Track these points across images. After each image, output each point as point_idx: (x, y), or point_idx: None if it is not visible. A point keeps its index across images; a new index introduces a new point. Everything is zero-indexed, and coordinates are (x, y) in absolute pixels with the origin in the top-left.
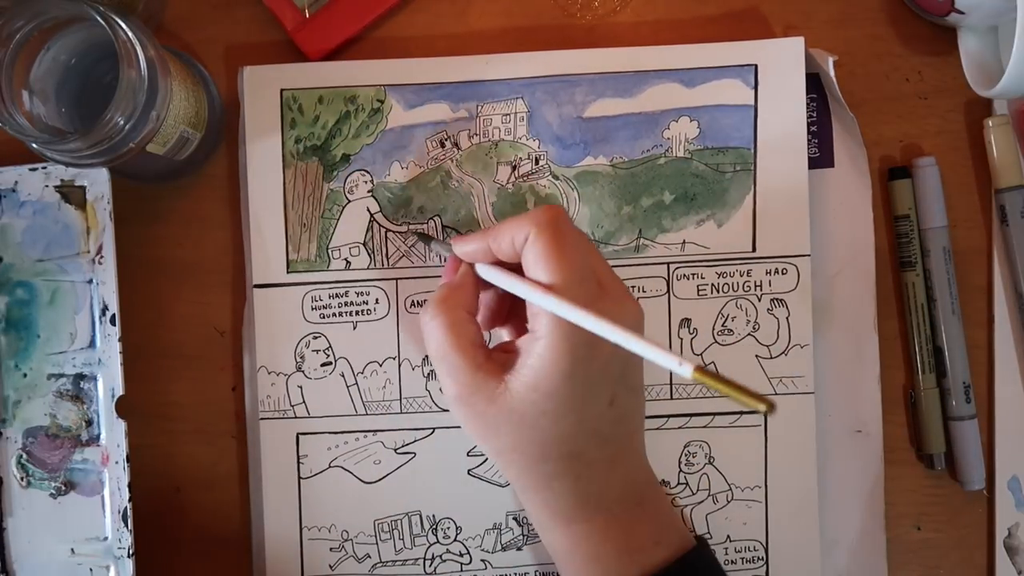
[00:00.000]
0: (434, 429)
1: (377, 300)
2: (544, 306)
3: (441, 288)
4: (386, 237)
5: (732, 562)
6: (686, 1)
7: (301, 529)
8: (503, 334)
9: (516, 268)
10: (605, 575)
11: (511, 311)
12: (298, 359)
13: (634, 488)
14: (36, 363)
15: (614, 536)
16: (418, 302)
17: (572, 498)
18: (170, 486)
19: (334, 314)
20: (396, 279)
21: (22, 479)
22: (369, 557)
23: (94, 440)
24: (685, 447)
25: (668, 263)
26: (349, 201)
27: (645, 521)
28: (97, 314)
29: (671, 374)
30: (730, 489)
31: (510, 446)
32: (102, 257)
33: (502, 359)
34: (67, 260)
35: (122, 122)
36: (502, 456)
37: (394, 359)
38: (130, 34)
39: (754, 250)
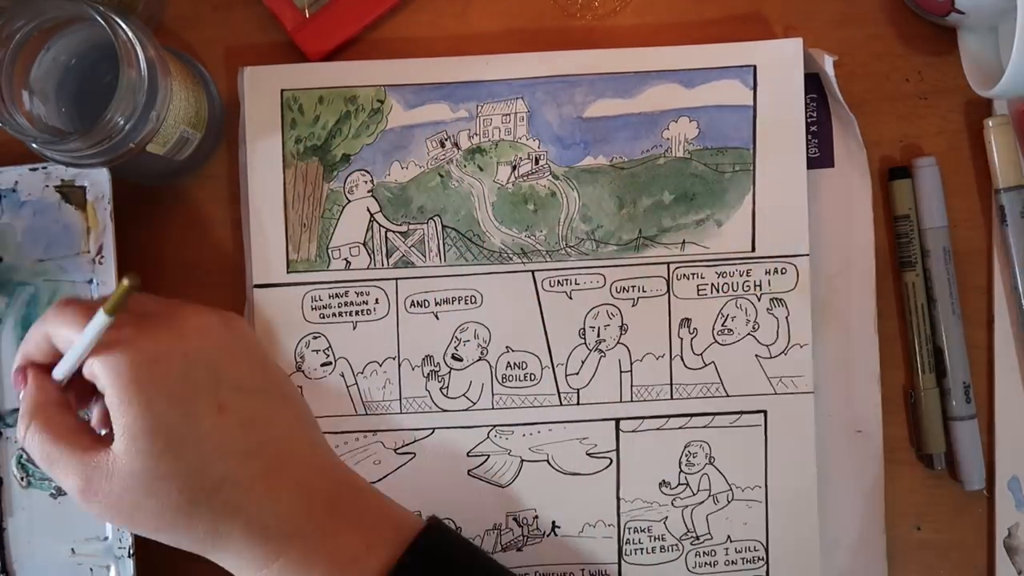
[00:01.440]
0: (434, 429)
1: (377, 300)
2: (72, 356)
3: (22, 403)
4: (386, 237)
5: (732, 562)
6: (686, 2)
7: None
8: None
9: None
10: None
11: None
12: (298, 359)
13: (317, 498)
14: None
15: (317, 560)
16: (417, 302)
17: (250, 536)
18: None
19: (334, 314)
20: (396, 279)
21: (22, 479)
22: None
23: None
24: (685, 447)
25: (668, 263)
26: (349, 201)
27: (347, 529)
28: None
29: (671, 374)
30: (730, 489)
31: (157, 510)
32: (102, 257)
33: (109, 435)
34: (67, 260)
35: (122, 122)
36: (160, 528)
37: (394, 359)
38: (130, 34)
39: (753, 250)
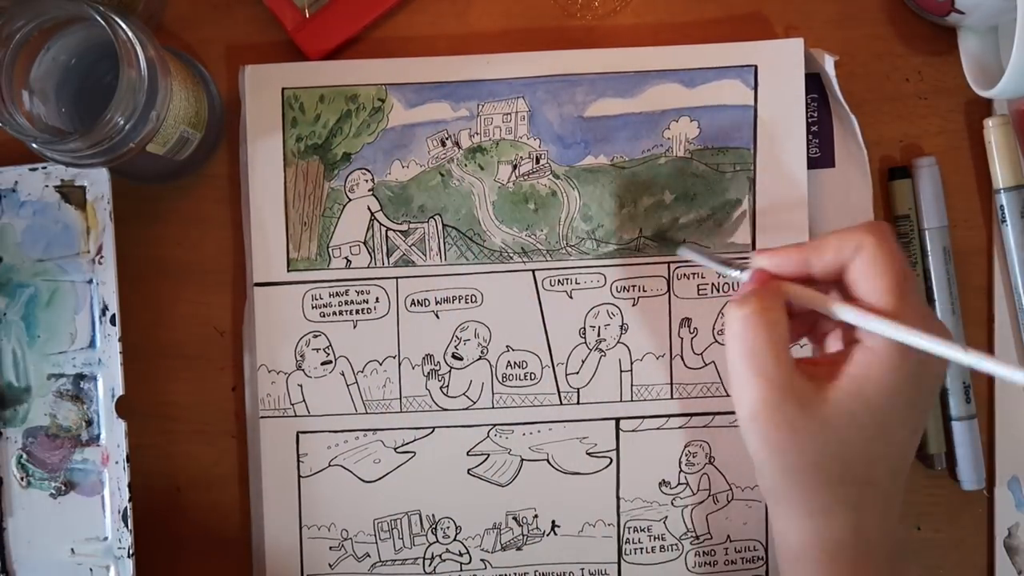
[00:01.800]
0: (434, 428)
1: (377, 299)
2: (899, 338)
3: (755, 289)
4: (387, 236)
5: (732, 562)
6: (686, 2)
7: (301, 528)
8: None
9: (821, 287)
10: None
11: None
12: (298, 358)
13: (896, 540)
14: (36, 363)
15: None
16: (418, 301)
17: (848, 532)
18: (170, 486)
19: (334, 313)
20: (396, 278)
21: (22, 479)
22: (368, 556)
23: (94, 440)
24: (685, 447)
25: (668, 263)
26: (350, 200)
27: None
28: (97, 314)
29: (671, 373)
30: (730, 489)
31: (810, 462)
32: (102, 257)
33: (809, 370)
34: (67, 260)
35: (122, 122)
36: (793, 475)
37: (394, 358)
38: (130, 34)
39: (754, 250)
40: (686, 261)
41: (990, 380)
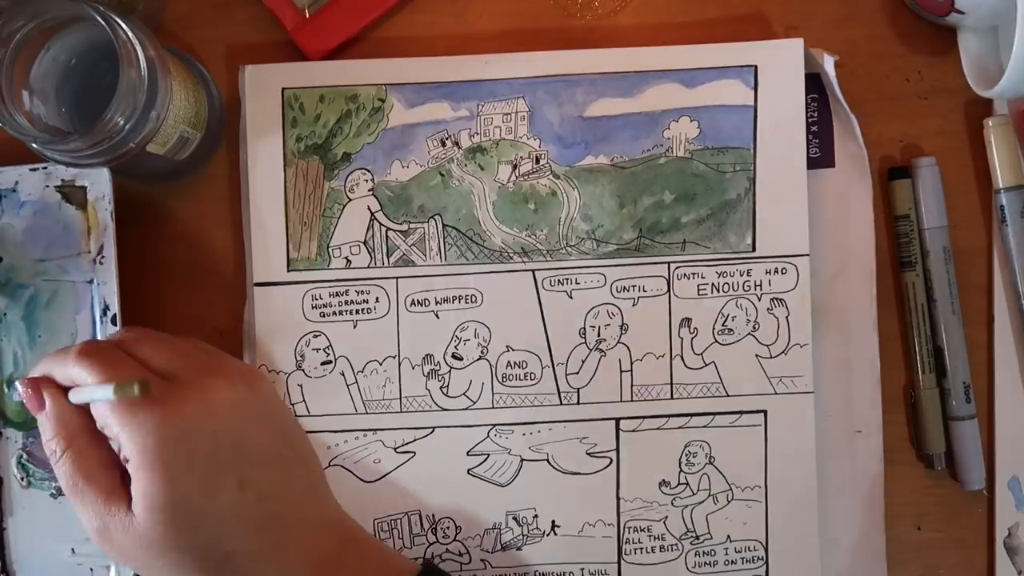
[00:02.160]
0: (434, 428)
1: (377, 299)
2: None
3: (47, 424)
4: (386, 236)
5: (732, 562)
6: (686, 2)
7: None
8: None
9: None
10: None
11: None
12: (298, 357)
13: (323, 558)
14: (37, 363)
15: None
16: (418, 301)
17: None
18: None
19: (334, 313)
20: (396, 278)
21: (22, 479)
22: None
23: None
24: (685, 447)
25: (668, 262)
26: (350, 200)
27: None
28: (98, 314)
29: (671, 373)
30: (730, 489)
31: (167, 570)
32: (103, 257)
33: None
34: (68, 260)
35: (122, 122)
36: None
37: (394, 358)
38: (130, 34)
39: (754, 250)
40: (686, 261)
41: (990, 380)
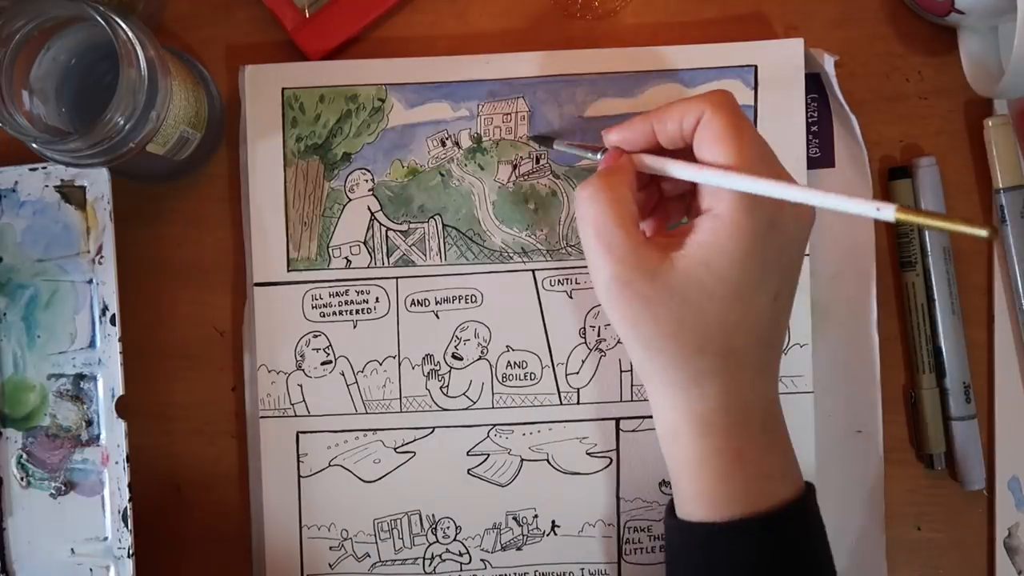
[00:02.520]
0: (434, 428)
1: (377, 299)
2: (729, 185)
3: (600, 170)
4: (386, 236)
5: None
6: (686, 2)
7: (301, 528)
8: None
9: (673, 156)
10: (729, 498)
11: (655, 208)
12: (298, 357)
13: (772, 409)
14: (36, 363)
15: (749, 459)
16: (418, 301)
17: (718, 402)
18: (170, 486)
19: (334, 313)
20: (396, 278)
21: (22, 479)
22: (368, 556)
23: (94, 440)
24: None
25: None
26: (350, 200)
27: (777, 452)
28: (97, 314)
29: None
30: None
31: (667, 332)
32: (102, 257)
33: (661, 242)
34: (67, 260)
35: (122, 122)
36: (652, 346)
37: (394, 358)
38: (130, 34)
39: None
40: None
41: (990, 380)
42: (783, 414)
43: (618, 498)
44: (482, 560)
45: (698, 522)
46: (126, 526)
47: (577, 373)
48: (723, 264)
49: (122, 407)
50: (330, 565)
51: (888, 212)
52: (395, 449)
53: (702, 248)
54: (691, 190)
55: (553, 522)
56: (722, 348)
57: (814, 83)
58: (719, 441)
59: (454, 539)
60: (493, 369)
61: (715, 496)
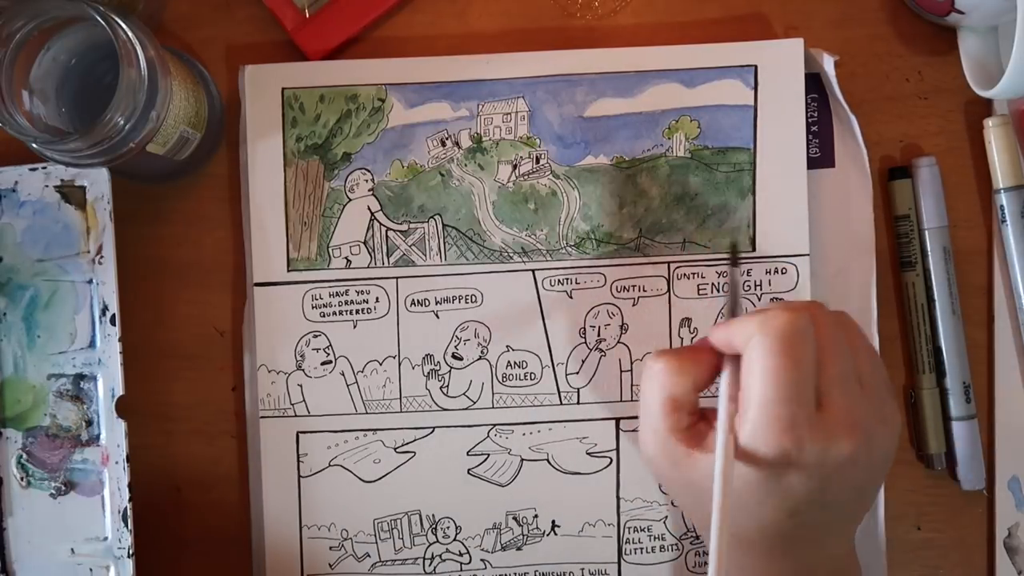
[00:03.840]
0: (434, 428)
1: (377, 299)
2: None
3: (682, 349)
4: (386, 236)
5: None
6: (686, 2)
7: (301, 528)
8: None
9: None
10: None
11: None
12: (298, 357)
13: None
14: (36, 363)
15: None
16: (418, 301)
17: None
18: (170, 486)
19: (334, 313)
20: (396, 278)
21: (22, 479)
22: (369, 556)
23: (94, 440)
24: None
25: (669, 262)
26: (350, 200)
27: None
28: (97, 314)
29: None
30: None
31: (688, 508)
32: (102, 257)
33: (705, 430)
34: (67, 260)
35: (122, 122)
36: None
37: (394, 358)
38: (130, 34)
39: (754, 250)
40: (686, 261)
41: (990, 380)
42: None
43: (618, 498)
44: (482, 560)
45: None
46: (126, 526)
47: (577, 373)
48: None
49: (122, 407)
50: (330, 565)
51: None
52: (395, 449)
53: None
54: None
55: (553, 522)
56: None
57: (814, 83)
58: None
59: (454, 539)
60: (493, 369)
61: None
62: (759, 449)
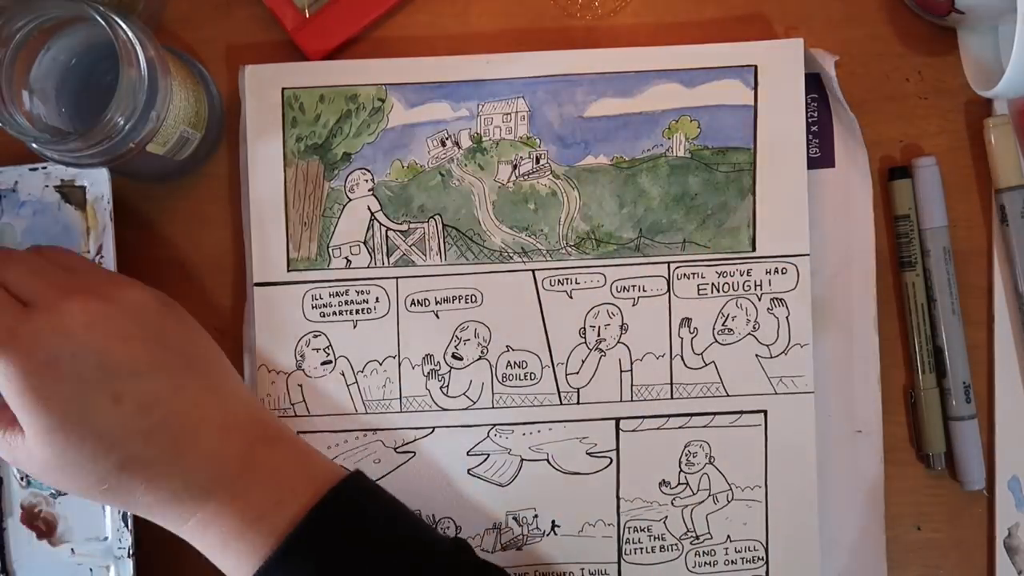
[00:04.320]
0: (434, 428)
1: (377, 299)
2: None
3: None
4: (386, 236)
5: (732, 562)
6: (686, 2)
7: None
8: None
9: None
10: (241, 556)
11: None
12: (298, 357)
13: (224, 461)
14: None
15: (225, 517)
16: (418, 301)
17: (163, 504)
18: None
19: (334, 313)
20: (396, 278)
21: (22, 479)
22: None
23: None
24: (685, 447)
25: (668, 262)
26: (350, 200)
27: (257, 486)
28: None
29: (671, 373)
30: (730, 489)
31: (75, 486)
32: (102, 257)
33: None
34: None
35: (122, 122)
36: (86, 495)
37: (394, 358)
38: (130, 34)
39: (754, 250)
40: (686, 261)
41: (990, 380)
42: (264, 441)
43: (618, 498)
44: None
45: None
46: (126, 526)
47: (577, 373)
48: (39, 424)
49: None
50: None
51: None
52: (395, 449)
53: (23, 423)
54: None
55: (553, 522)
56: (111, 469)
57: (814, 83)
58: (194, 522)
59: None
60: (493, 369)
61: (232, 567)
62: (9, 375)
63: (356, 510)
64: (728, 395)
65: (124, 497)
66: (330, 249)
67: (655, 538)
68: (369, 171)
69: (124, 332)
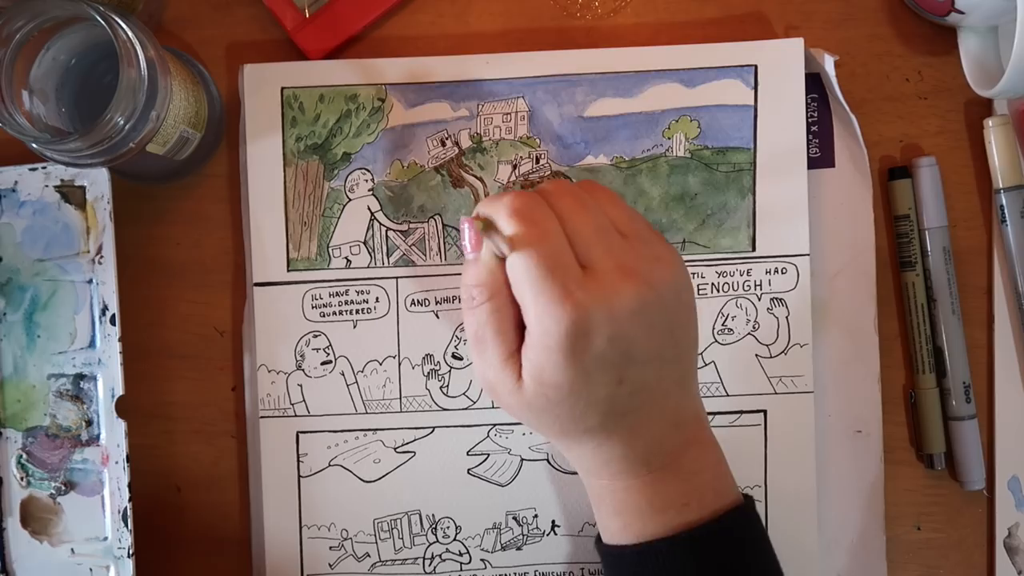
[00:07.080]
0: (434, 428)
1: (377, 299)
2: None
3: (475, 268)
4: (386, 236)
5: None
6: (686, 2)
7: (301, 528)
8: None
9: None
10: (627, 529)
11: None
12: (298, 357)
13: (660, 452)
14: (36, 363)
15: (636, 496)
16: (418, 301)
17: (594, 461)
18: (170, 486)
19: (334, 313)
20: (396, 278)
21: (22, 479)
22: (368, 556)
23: (94, 440)
24: None
25: None
26: (350, 200)
27: (673, 483)
28: (97, 314)
29: None
30: None
31: (534, 426)
32: (102, 257)
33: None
34: (67, 260)
35: (122, 122)
36: (530, 427)
37: (394, 358)
38: (130, 34)
39: (754, 250)
40: (686, 260)
41: (990, 380)
42: (694, 445)
43: None
44: (482, 560)
45: (610, 545)
46: (126, 526)
47: None
48: (550, 379)
49: (122, 407)
50: (330, 565)
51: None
52: (395, 449)
53: (532, 367)
54: None
55: (553, 522)
56: (582, 429)
57: (814, 83)
58: (607, 484)
59: (454, 539)
60: None
61: (608, 528)
62: (550, 330)
63: (735, 541)
64: (728, 395)
65: (570, 447)
66: (330, 249)
67: None
68: (369, 171)
69: (654, 324)
